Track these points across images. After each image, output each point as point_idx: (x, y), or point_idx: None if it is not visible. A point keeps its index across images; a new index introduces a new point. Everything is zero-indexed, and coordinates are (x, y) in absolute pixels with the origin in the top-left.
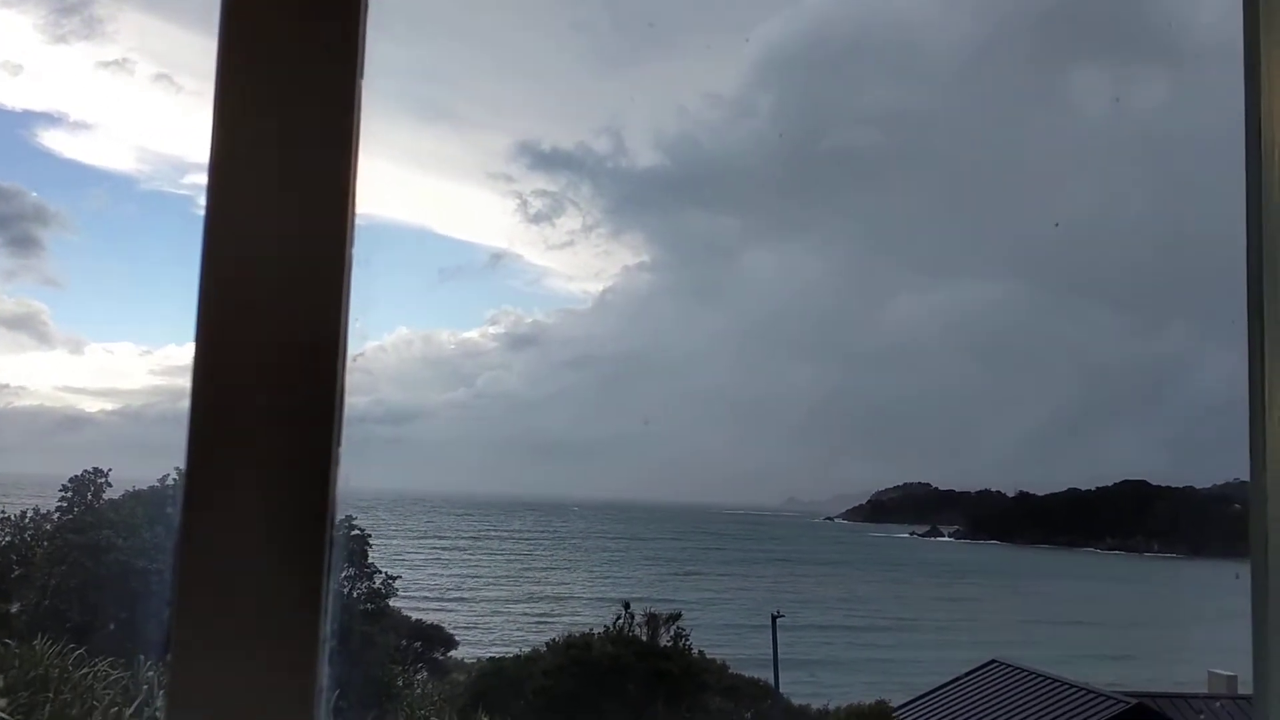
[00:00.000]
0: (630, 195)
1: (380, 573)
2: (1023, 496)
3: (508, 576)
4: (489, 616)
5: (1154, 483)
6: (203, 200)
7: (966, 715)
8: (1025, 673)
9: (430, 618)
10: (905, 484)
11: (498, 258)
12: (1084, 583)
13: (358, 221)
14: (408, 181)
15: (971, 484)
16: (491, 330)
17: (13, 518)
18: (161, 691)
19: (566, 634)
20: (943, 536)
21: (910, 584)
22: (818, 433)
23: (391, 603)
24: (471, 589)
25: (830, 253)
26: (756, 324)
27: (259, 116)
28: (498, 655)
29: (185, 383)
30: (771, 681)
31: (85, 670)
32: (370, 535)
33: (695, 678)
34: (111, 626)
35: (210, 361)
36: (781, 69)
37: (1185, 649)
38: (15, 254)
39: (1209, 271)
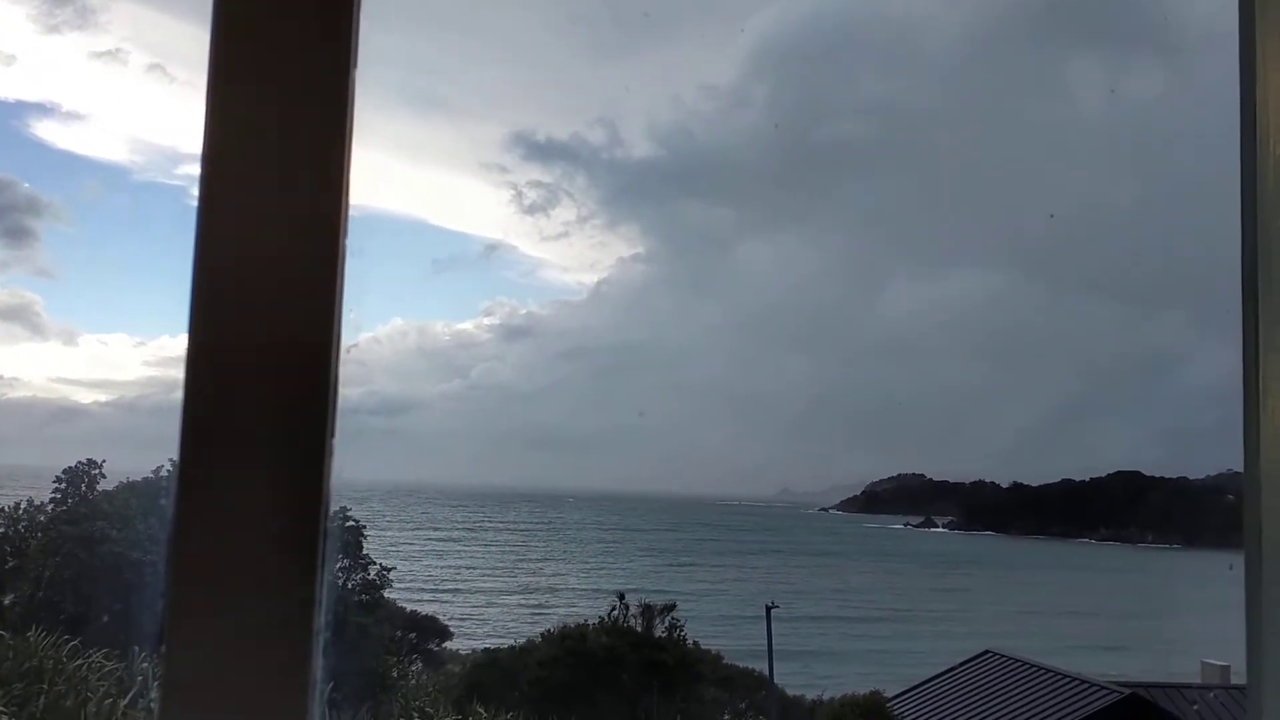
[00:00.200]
0: (625, 186)
1: (375, 564)
2: (1017, 487)
3: (503, 567)
4: (484, 607)
5: (1148, 473)
6: (196, 191)
7: (960, 705)
8: (1019, 663)
9: (425, 609)
10: (899, 475)
11: (492, 249)
12: (1078, 573)
13: (351, 212)
14: (401, 172)
15: (966, 475)
16: (486, 321)
17: (6, 509)
18: (156, 683)
19: (562, 625)
20: (937, 527)
21: (904, 575)
22: (813, 424)
23: (386, 594)
24: (466, 580)
25: (826, 244)
26: (752, 315)
27: (252, 107)
28: (493, 646)
29: (179, 374)
30: (766, 672)
31: (79, 662)
32: (365, 526)
33: (690, 668)
34: (106, 618)
35: (203, 353)
36: (777, 60)
37: (1179, 639)
38: (8, 245)
39: (1203, 262)
